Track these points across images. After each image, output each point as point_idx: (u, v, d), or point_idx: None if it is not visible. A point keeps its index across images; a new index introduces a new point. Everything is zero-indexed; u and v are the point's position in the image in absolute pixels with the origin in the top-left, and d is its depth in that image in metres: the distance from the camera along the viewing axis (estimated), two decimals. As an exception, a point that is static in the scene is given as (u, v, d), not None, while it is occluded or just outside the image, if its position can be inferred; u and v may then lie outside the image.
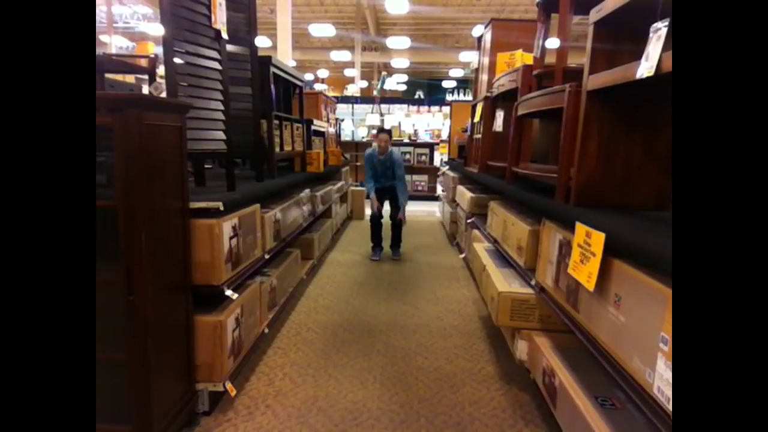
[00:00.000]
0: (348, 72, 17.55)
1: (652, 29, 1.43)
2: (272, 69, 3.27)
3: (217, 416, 2.17)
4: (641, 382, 1.24)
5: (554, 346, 2.15)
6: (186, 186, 1.97)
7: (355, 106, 11.68)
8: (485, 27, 4.65)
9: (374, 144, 5.06)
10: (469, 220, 4.41)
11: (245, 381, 2.48)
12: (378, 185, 5.14)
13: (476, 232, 3.96)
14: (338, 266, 4.77)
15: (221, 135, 2.39)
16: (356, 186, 8.57)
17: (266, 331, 2.81)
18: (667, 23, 1.38)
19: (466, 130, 5.95)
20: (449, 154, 8.04)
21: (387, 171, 5.05)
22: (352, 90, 13.62)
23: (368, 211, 5.32)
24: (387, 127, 10.52)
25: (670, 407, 1.11)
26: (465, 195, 4.67)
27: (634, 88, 1.65)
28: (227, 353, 2.18)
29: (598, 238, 1.50)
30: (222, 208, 2.07)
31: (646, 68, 1.36)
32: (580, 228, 1.65)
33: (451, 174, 6.16)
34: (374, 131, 5.44)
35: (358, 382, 2.50)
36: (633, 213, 1.84)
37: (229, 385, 2.18)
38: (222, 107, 2.37)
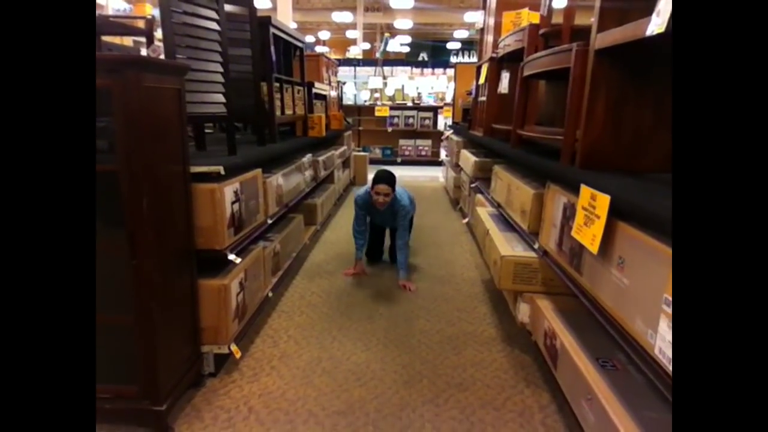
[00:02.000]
0: (350, 34, 17.22)
1: (664, -16, 1.38)
2: (272, 30, 3.19)
3: (222, 377, 2.21)
4: (643, 344, 1.25)
5: (556, 308, 2.16)
6: (187, 150, 1.95)
7: (358, 68, 11.48)
8: (491, -15, 4.51)
9: (372, 195, 3.42)
10: (472, 185, 4.38)
11: (250, 343, 2.52)
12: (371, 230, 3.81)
13: (480, 196, 3.94)
14: (342, 232, 4.77)
15: (221, 98, 2.35)
16: (358, 151, 8.52)
17: (270, 295, 2.84)
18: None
19: (470, 93, 5.85)
20: (453, 117, 7.93)
21: (387, 221, 3.70)
22: (354, 52, 13.38)
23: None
24: (390, 91, 10.37)
25: (670, 368, 1.11)
26: (469, 159, 4.63)
27: (644, 47, 1.61)
28: (232, 316, 2.20)
29: (603, 201, 1.48)
30: (223, 173, 2.06)
31: (656, 25, 1.32)
32: (585, 190, 1.64)
33: (455, 138, 6.10)
34: (367, 188, 3.55)
35: (361, 344, 2.53)
36: (640, 176, 1.82)
37: (234, 348, 2.21)
38: (221, 69, 2.33)
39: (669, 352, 1.11)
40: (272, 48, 3.18)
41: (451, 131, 6.94)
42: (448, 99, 9.80)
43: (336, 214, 5.49)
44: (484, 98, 4.15)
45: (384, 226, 3.82)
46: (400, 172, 8.92)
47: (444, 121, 9.55)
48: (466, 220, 4.80)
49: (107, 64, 1.54)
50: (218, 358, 2.23)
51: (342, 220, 5.24)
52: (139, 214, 1.65)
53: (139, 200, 1.64)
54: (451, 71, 10.37)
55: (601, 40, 1.79)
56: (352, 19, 15.35)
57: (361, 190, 3.60)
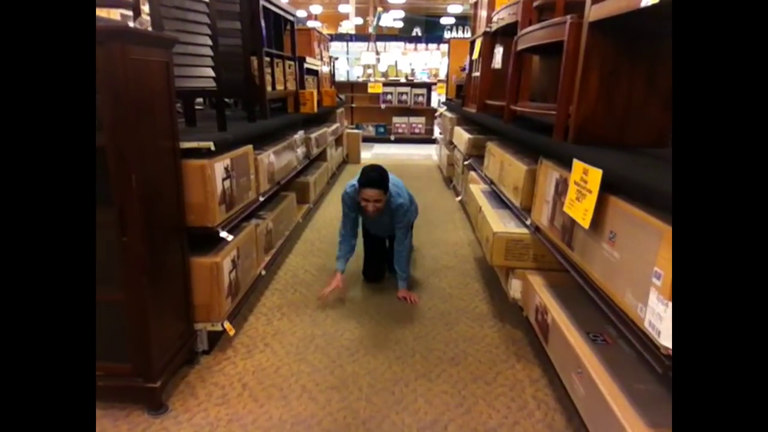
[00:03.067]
0: (342, 8, 16.91)
1: (660, -47, 1.35)
2: (262, 2, 3.12)
3: (216, 355, 2.21)
4: (633, 317, 1.25)
5: (547, 284, 2.17)
6: (175, 125, 1.92)
7: (350, 44, 11.31)
8: (485, -42, 4.43)
9: (361, 201, 2.75)
10: (466, 162, 4.36)
11: (244, 321, 2.52)
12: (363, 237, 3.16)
13: (473, 174, 3.93)
14: (335, 210, 4.75)
15: (210, 72, 2.31)
16: (352, 128, 8.45)
17: (263, 273, 2.83)
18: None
19: (464, 69, 5.80)
20: (447, 94, 7.86)
21: (384, 226, 2.99)
22: (347, 27, 13.15)
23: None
24: (383, 67, 10.23)
25: (660, 341, 1.12)
26: (462, 136, 4.60)
27: (638, 19, 1.58)
28: (224, 294, 2.20)
29: (595, 175, 1.48)
30: (213, 149, 2.03)
31: (651, -5, 1.29)
32: (578, 165, 1.63)
33: (449, 115, 6.06)
34: (353, 183, 2.84)
35: (354, 321, 2.54)
36: (632, 150, 1.81)
37: (227, 325, 2.21)
38: (210, 42, 2.28)
39: (659, 325, 1.12)
40: (262, 21, 3.11)
41: (445, 108, 6.89)
42: (442, 75, 9.70)
43: (329, 193, 5.47)
44: (477, 74, 4.10)
45: (382, 236, 3.10)
46: (393, 150, 8.94)
47: (438, 97, 9.46)
48: (460, 198, 4.79)
49: (91, 37, 1.50)
50: (212, 335, 2.23)
51: (335, 198, 5.21)
52: (128, 190, 1.63)
53: (128, 176, 1.61)
54: (444, 47, 10.25)
55: (595, 12, 1.77)
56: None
57: (349, 184, 2.87)
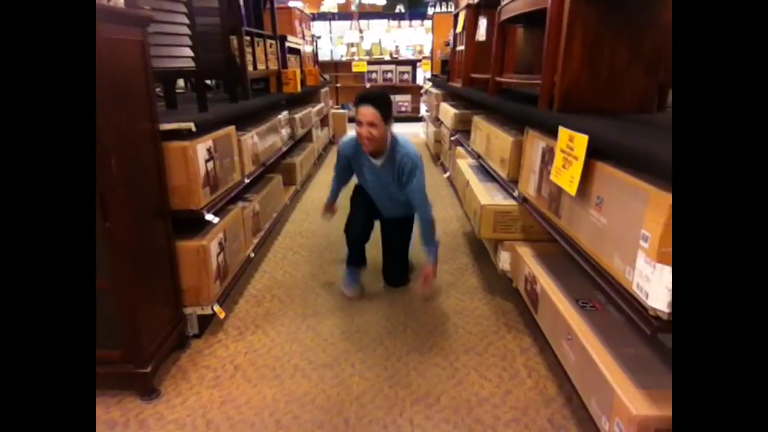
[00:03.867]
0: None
1: None
2: (239, -20, 3.05)
3: (207, 338, 2.20)
4: (621, 281, 1.26)
5: (536, 254, 2.18)
6: (154, 106, 1.87)
7: (333, 23, 11.14)
8: (465, -72, 4.35)
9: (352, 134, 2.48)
10: (452, 138, 4.34)
11: (234, 304, 2.51)
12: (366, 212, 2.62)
13: (460, 149, 3.91)
14: (322, 192, 4.72)
15: (188, 51, 2.25)
16: (337, 108, 8.37)
17: (252, 255, 2.81)
18: None
19: (448, 44, 5.73)
20: (432, 70, 7.80)
21: (388, 189, 2.51)
22: (329, 5, 12.94)
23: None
24: (367, 45, 10.11)
25: (648, 303, 1.12)
26: (448, 112, 4.57)
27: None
28: (213, 277, 2.18)
29: (581, 141, 1.47)
30: (194, 130, 1.99)
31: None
32: (563, 132, 1.62)
33: (435, 91, 6.01)
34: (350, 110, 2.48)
35: (345, 300, 2.53)
36: (617, 116, 1.80)
37: (217, 308, 2.20)
38: (187, 21, 2.22)
39: (647, 287, 1.12)
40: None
41: (430, 84, 6.83)
42: (427, 52, 9.60)
43: (316, 174, 5.43)
44: (462, 47, 4.06)
45: (380, 202, 2.60)
46: (380, 129, 8.85)
47: (423, 74, 9.38)
48: (447, 174, 4.78)
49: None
50: (202, 319, 2.22)
51: (323, 180, 5.19)
52: (108, 174, 1.59)
53: (107, 160, 1.58)
54: (428, 23, 10.10)
55: (577, -24, 1.74)
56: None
57: (345, 138, 2.62)
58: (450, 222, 3.76)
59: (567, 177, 1.56)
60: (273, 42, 3.85)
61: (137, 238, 1.76)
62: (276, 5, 4.07)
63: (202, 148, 2.09)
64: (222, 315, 2.23)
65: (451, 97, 5.16)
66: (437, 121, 5.63)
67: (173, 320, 2.05)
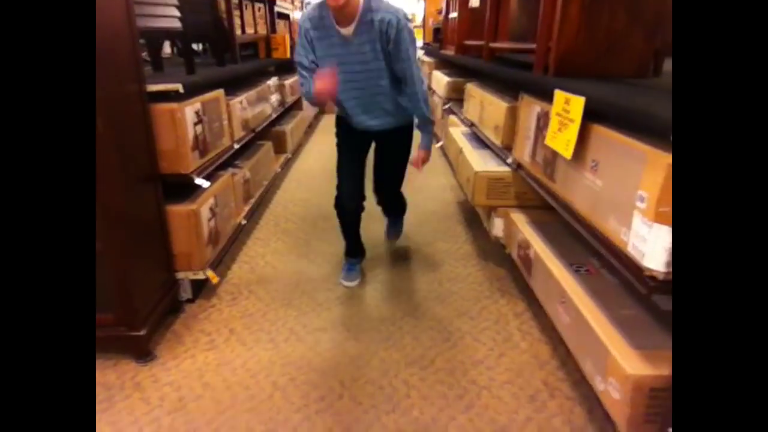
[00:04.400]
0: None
1: None
2: (226, -61, 2.95)
3: (201, 303, 2.20)
4: (617, 242, 1.26)
5: (530, 220, 2.18)
6: (141, 68, 1.82)
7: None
8: None
9: None
10: (445, 107, 4.30)
11: (227, 269, 2.50)
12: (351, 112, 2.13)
13: (453, 117, 3.88)
14: (314, 161, 4.69)
15: (174, 11, 2.19)
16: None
17: (244, 222, 2.79)
18: None
19: (441, 12, 5.63)
20: (424, 38, 7.68)
21: (370, 78, 2.00)
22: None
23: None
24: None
25: (643, 263, 1.13)
26: (441, 80, 4.52)
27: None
28: (204, 242, 2.16)
29: (578, 103, 1.45)
30: (182, 91, 1.95)
31: None
32: (560, 95, 1.60)
33: (427, 59, 5.93)
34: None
35: (339, 266, 2.53)
36: (613, 80, 1.78)
37: (210, 273, 2.19)
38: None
39: (642, 247, 1.13)
40: (228, -40, 2.95)
41: (423, 52, 6.73)
42: (419, 21, 9.44)
43: (307, 143, 5.38)
44: (455, 14, 3.99)
45: (365, 107, 2.06)
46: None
47: (418, 42, 9.23)
48: (440, 144, 4.75)
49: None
50: (195, 284, 2.21)
51: (314, 148, 5.14)
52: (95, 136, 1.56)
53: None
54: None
55: (577, -67, 1.69)
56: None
57: (308, 6, 2.08)
58: (444, 191, 3.75)
59: (563, 140, 1.55)
60: (261, 6, 3.76)
61: (127, 202, 1.74)
62: (265, -33, 3.96)
63: (190, 110, 2.05)
64: (215, 280, 2.22)
65: (444, 65, 5.09)
66: (429, 90, 5.56)
67: (166, 285, 2.04)
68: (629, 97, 1.36)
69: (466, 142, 2.95)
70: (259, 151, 3.32)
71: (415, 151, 2.26)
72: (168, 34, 2.33)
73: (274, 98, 3.77)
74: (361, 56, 1.94)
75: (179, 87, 1.92)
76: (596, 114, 1.41)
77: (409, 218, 2.83)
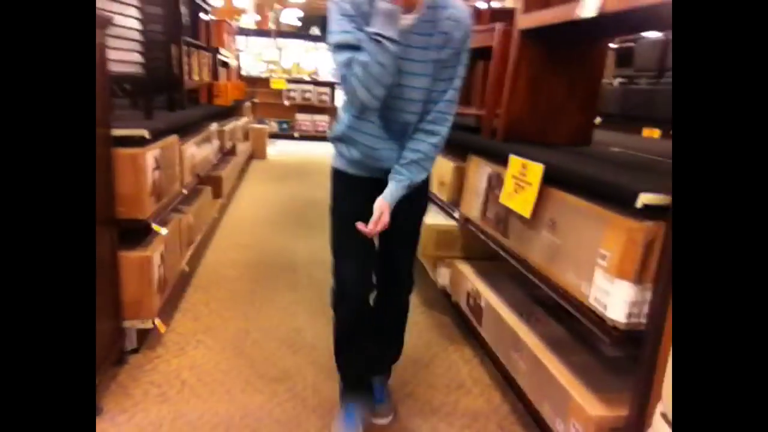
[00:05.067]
0: (237, 2, 16.37)
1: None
2: (181, -12, 3.00)
3: (146, 353, 2.10)
4: (576, 294, 1.41)
5: (477, 271, 2.33)
6: (109, 112, 1.81)
7: (250, 38, 11.03)
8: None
9: None
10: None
11: (170, 319, 2.41)
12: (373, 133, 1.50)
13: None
14: (247, 205, 4.66)
15: (137, 57, 2.19)
16: (258, 124, 8.25)
17: (186, 269, 2.72)
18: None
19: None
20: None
21: (409, 83, 1.43)
22: (245, 23, 12.78)
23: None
24: (287, 64, 10.09)
25: (607, 314, 1.27)
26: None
27: (565, 27, 1.76)
28: (155, 289, 2.10)
29: (536, 169, 1.63)
30: (148, 137, 1.93)
31: (591, 9, 1.46)
32: (515, 160, 1.78)
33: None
34: None
35: (288, 314, 2.53)
36: (556, 147, 2.01)
37: (158, 322, 2.11)
38: (139, 26, 2.16)
39: (605, 300, 1.28)
40: (182, 7, 2.99)
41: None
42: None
43: (239, 188, 5.32)
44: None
45: (388, 133, 1.51)
46: (298, 147, 8.85)
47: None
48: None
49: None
50: (140, 333, 2.12)
51: (246, 194, 5.11)
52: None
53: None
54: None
55: (527, 20, 1.94)
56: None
57: None
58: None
59: (520, 201, 1.72)
60: (207, 54, 3.79)
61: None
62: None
63: (150, 156, 2.03)
64: (163, 330, 2.15)
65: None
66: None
67: (113, 334, 1.94)
68: (580, 165, 1.56)
69: (409, 195, 3.09)
70: (201, 196, 3.27)
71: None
72: (127, 78, 2.30)
73: (215, 144, 3.75)
74: (410, 61, 1.38)
75: (146, 133, 1.91)
76: (552, 179, 1.59)
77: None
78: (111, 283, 1.94)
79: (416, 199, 1.60)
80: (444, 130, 1.49)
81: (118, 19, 2.14)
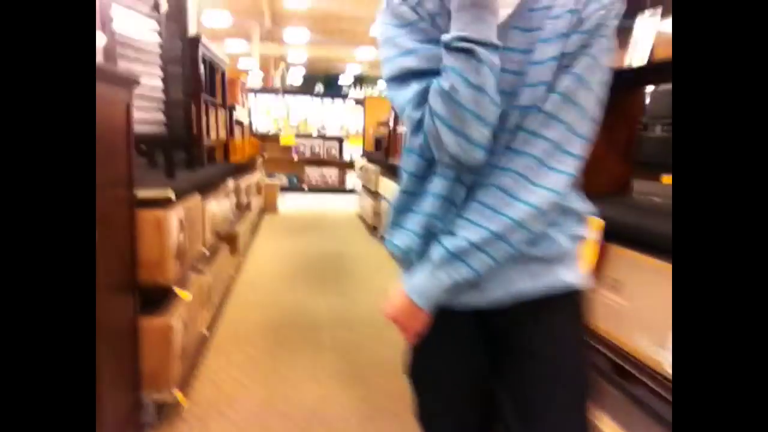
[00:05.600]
0: (242, 64, 16.85)
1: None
2: (201, 49, 3.01)
3: (165, 429, 1.95)
4: (646, 360, 1.28)
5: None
6: (133, 172, 1.74)
7: (258, 95, 11.26)
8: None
9: None
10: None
11: (189, 388, 2.26)
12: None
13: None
14: (263, 262, 4.55)
15: (161, 117, 2.15)
16: (269, 178, 8.28)
17: (206, 333, 2.59)
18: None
19: (384, 123, 5.95)
20: (364, 146, 8.05)
21: (516, 106, 0.79)
22: (252, 82, 13.09)
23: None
24: (294, 121, 10.25)
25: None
26: (391, 186, 4.67)
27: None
28: (176, 358, 1.97)
29: (593, 223, 1.53)
30: (174, 198, 1.86)
31: (641, 57, 1.41)
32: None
33: (372, 167, 6.13)
34: None
35: (313, 380, 2.38)
36: (598, 198, 1.91)
37: (179, 394, 1.97)
38: (162, 85, 2.13)
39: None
40: (201, 67, 2.99)
41: (365, 160, 6.97)
42: (351, 129, 9.94)
43: (253, 243, 5.24)
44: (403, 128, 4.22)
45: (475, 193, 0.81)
46: (308, 200, 8.83)
47: (351, 149, 9.63)
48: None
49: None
50: (158, 406, 1.97)
51: (261, 247, 5.03)
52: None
53: (89, 228, 1.41)
54: (350, 103, 10.41)
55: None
56: (246, 48, 15.03)
57: None
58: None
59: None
60: (224, 111, 3.80)
61: (103, 315, 1.56)
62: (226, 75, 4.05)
63: (175, 217, 1.95)
64: (185, 403, 2.00)
65: (390, 172, 5.29)
66: (376, 194, 5.70)
67: (132, 408, 1.80)
68: (639, 218, 1.46)
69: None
70: (219, 255, 3.18)
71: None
72: (149, 137, 2.26)
73: (233, 200, 3.70)
74: (514, 64, 0.80)
75: (171, 194, 1.84)
76: (611, 234, 1.48)
77: (373, 322, 2.73)
78: (131, 353, 1.81)
79: (564, 313, 0.90)
80: (566, 164, 0.84)
81: (148, 80, 2.12)
